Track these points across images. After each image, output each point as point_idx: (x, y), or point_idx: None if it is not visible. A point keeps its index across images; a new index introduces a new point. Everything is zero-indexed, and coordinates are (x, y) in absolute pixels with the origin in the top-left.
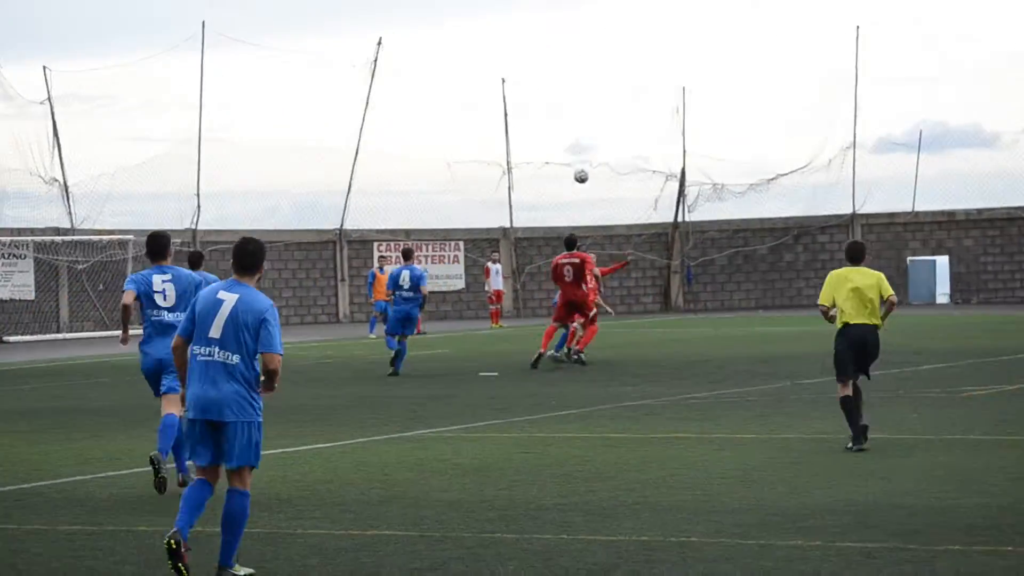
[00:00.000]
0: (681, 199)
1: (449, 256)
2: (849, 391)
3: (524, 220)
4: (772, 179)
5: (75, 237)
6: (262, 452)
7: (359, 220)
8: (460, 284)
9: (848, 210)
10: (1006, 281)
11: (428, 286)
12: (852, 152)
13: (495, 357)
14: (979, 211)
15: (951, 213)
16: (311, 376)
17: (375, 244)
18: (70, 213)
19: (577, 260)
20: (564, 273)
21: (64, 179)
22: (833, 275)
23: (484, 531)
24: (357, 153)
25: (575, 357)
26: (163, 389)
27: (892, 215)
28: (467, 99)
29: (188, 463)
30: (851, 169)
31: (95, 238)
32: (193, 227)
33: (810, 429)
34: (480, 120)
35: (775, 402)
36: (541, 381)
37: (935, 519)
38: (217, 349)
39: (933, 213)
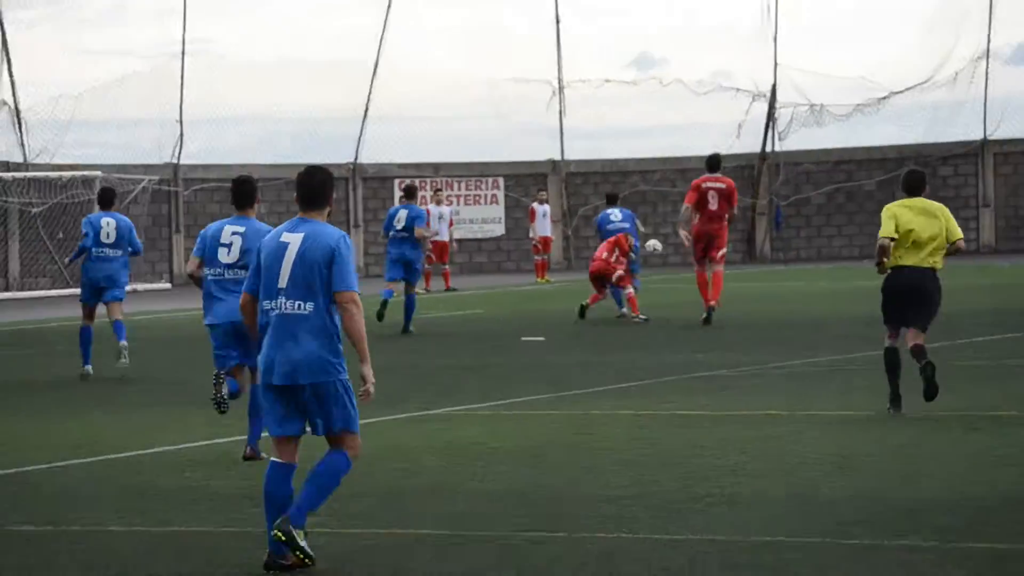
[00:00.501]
0: (771, 124)
1: (486, 196)
2: (895, 343)
3: (578, 151)
4: (883, 98)
5: (29, 174)
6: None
7: (377, 152)
8: (499, 230)
9: (978, 135)
10: None
11: (436, 229)
12: (985, 63)
13: (541, 318)
14: None
15: None
16: None
17: (396, 181)
18: (23, 144)
19: (724, 186)
20: (709, 199)
21: (15, 102)
22: (895, 207)
23: (529, 529)
24: (375, 70)
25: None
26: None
27: None
28: (510, 3)
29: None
30: (983, 85)
31: (53, 175)
32: (174, 161)
33: (925, 406)
34: (526, 29)
35: (883, 372)
36: (595, 349)
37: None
38: (289, 300)
39: None
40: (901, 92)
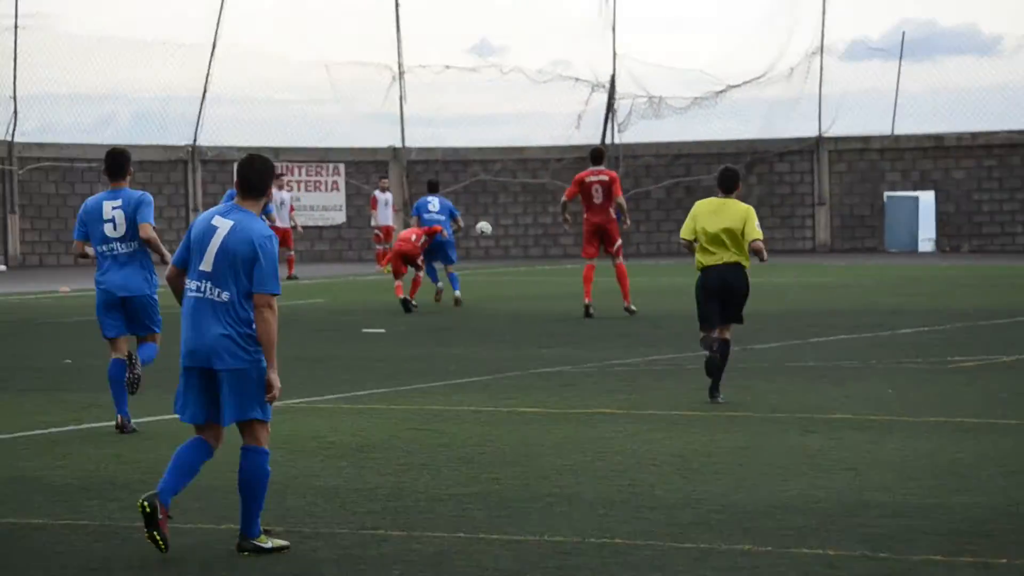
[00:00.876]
0: (610, 115)
1: (327, 182)
2: (714, 346)
3: (419, 139)
4: (721, 92)
5: None
6: None
7: (216, 135)
8: (340, 217)
9: (813, 132)
10: (1004, 224)
11: (275, 215)
12: (819, 59)
13: (383, 310)
14: (973, 135)
15: (939, 138)
16: None
17: (235, 165)
18: None
19: (607, 178)
20: (593, 192)
21: None
22: (698, 205)
23: (364, 527)
24: (214, 50)
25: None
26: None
27: (866, 139)
28: None
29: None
30: (817, 81)
31: None
32: (8, 139)
33: (762, 406)
34: (366, 14)
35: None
36: (436, 341)
37: (913, 522)
38: (208, 284)
39: (917, 137)
40: (738, 86)
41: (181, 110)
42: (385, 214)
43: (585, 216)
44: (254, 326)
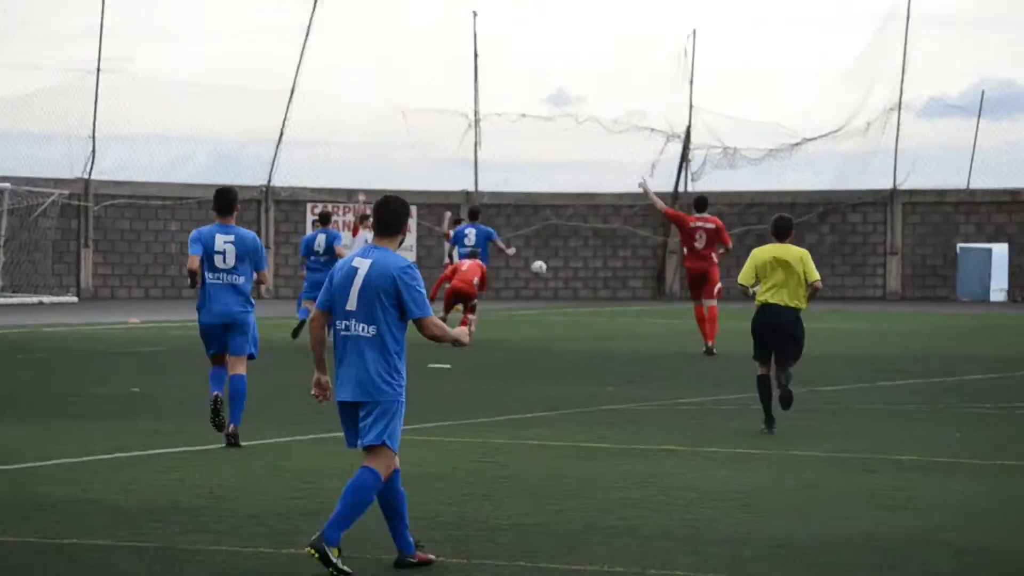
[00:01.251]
0: (684, 165)
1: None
2: (768, 371)
3: (492, 183)
4: (796, 144)
5: None
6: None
7: (290, 176)
8: (411, 257)
9: (887, 185)
10: None
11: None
12: (897, 115)
13: (449, 346)
14: None
15: (1014, 192)
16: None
17: (308, 205)
18: None
19: (712, 225)
20: (696, 237)
21: None
22: (757, 251)
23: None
24: (292, 95)
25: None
26: (218, 349)
27: (941, 192)
28: (429, 34)
29: None
30: (894, 135)
31: None
32: (86, 176)
33: (828, 446)
34: (444, 61)
35: (786, 412)
36: (503, 377)
37: (976, 561)
38: (355, 322)
39: (992, 192)
40: (814, 139)
41: (257, 152)
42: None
43: (685, 262)
44: (400, 356)
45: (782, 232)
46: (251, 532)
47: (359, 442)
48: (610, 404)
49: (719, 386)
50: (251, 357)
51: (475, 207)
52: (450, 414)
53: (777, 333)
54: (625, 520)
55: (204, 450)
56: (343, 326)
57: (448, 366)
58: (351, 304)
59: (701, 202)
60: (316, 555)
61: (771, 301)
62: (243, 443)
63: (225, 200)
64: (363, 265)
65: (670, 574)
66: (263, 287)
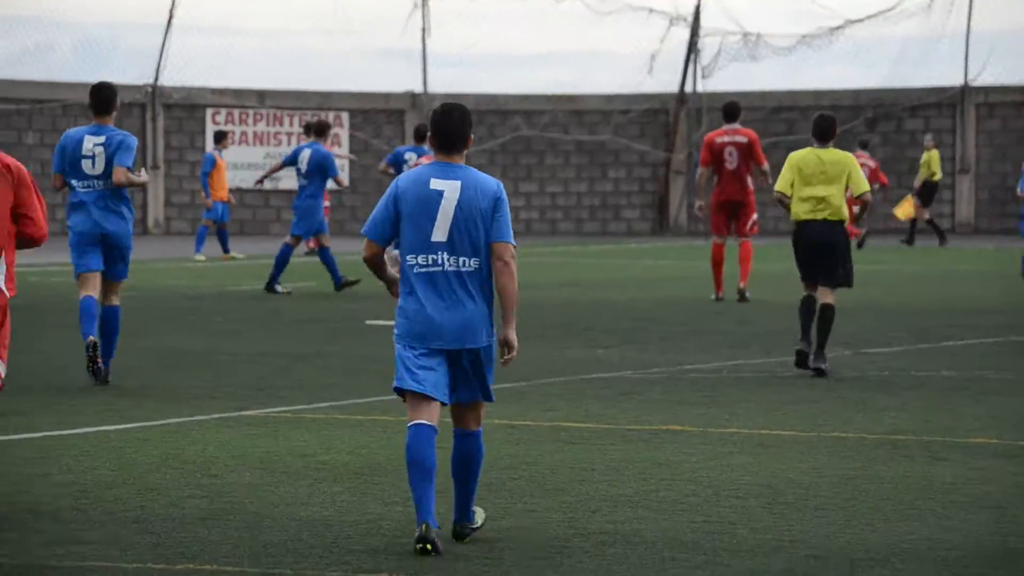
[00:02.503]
0: (693, 57)
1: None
2: (814, 292)
3: (445, 82)
4: (838, 28)
5: None
6: None
7: (184, 73)
8: (345, 177)
9: (957, 80)
10: None
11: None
12: None
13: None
14: None
15: None
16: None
17: (209, 111)
18: None
19: (744, 139)
20: (726, 156)
21: None
22: (795, 155)
23: (362, 570)
24: None
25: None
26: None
27: None
28: None
29: None
30: (965, 16)
31: None
32: None
33: (879, 426)
34: None
35: (824, 382)
36: None
37: None
38: (446, 255)
39: None
40: (860, 21)
41: (138, 42)
42: None
43: (716, 186)
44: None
45: (825, 133)
46: (136, 543)
47: (456, 397)
48: (598, 372)
49: (737, 348)
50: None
51: (421, 126)
52: None
53: (821, 253)
54: (619, 523)
55: (75, 435)
56: (425, 260)
57: (392, 323)
58: (440, 234)
59: (731, 110)
60: (464, 540)
61: (813, 217)
62: (128, 425)
63: (101, 97)
64: (450, 187)
65: None
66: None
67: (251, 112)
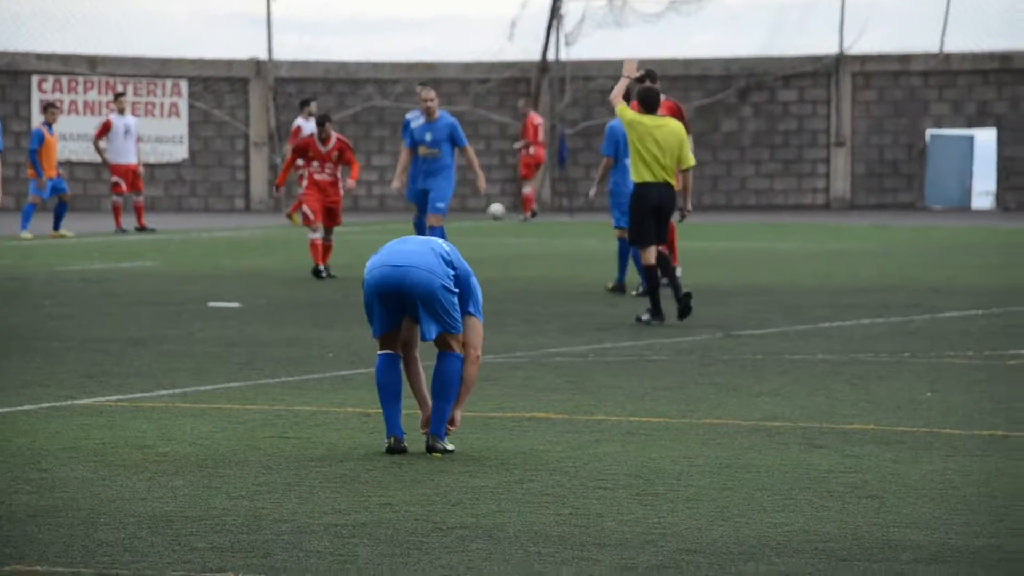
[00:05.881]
0: (555, 23)
1: (163, 105)
2: (652, 259)
3: (291, 49)
4: None
5: None
6: None
7: (7, 37)
8: (180, 152)
9: (832, 48)
10: None
11: (121, 146)
12: None
13: (237, 277)
14: None
15: (1005, 57)
16: None
17: (34, 79)
18: None
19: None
20: None
21: None
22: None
23: (208, 568)
24: None
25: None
26: None
27: (905, 58)
28: None
29: None
30: None
31: None
32: None
33: (753, 412)
34: None
35: (697, 365)
36: (311, 320)
37: (958, 570)
38: None
39: (975, 57)
40: None
41: None
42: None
43: None
44: None
45: (653, 104)
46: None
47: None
48: None
49: (604, 331)
50: None
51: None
52: (241, 372)
53: (658, 214)
54: (481, 517)
55: None
56: None
57: (236, 304)
58: None
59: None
60: (439, 455)
61: (653, 179)
62: None
63: None
64: None
65: None
66: None
67: (81, 80)
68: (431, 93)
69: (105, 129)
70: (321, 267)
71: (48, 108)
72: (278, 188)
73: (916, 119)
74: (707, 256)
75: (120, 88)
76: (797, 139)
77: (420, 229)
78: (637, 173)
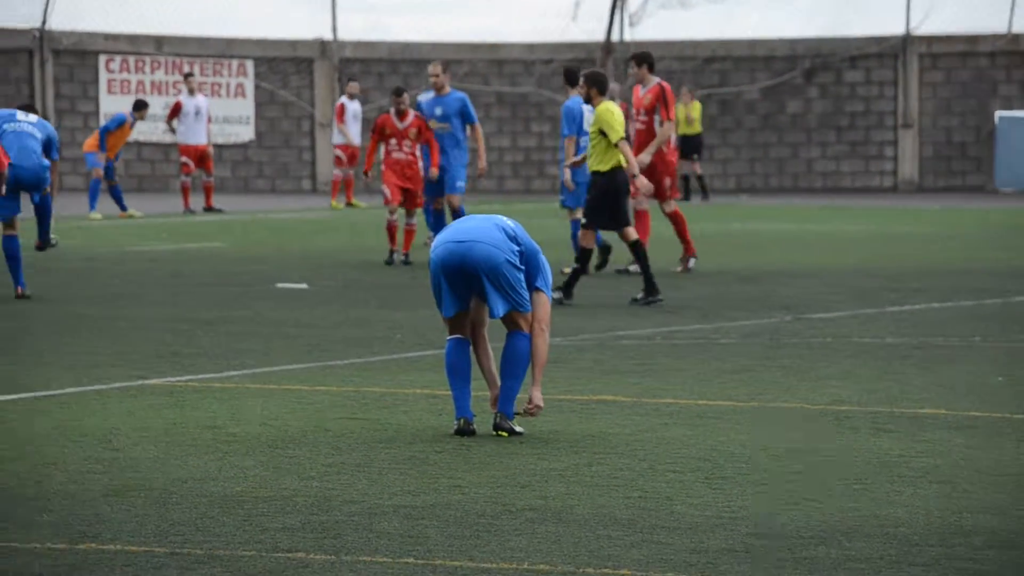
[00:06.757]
0: (619, 3)
1: (229, 86)
2: (591, 244)
3: (356, 29)
4: None
5: None
6: None
7: (75, 17)
8: (247, 133)
9: (899, 29)
10: None
11: (191, 127)
12: None
13: (305, 258)
14: None
15: None
16: None
17: (101, 58)
18: None
19: (649, 96)
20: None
21: None
22: (615, 108)
23: (278, 549)
24: None
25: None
26: None
27: (973, 39)
28: None
29: None
30: None
31: None
32: None
33: (821, 396)
34: None
35: (765, 349)
36: (379, 301)
37: None
38: None
39: None
40: None
41: None
42: (355, 129)
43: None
44: None
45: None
46: (34, 521)
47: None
48: None
49: (671, 313)
50: None
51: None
52: (308, 353)
53: (623, 198)
54: (550, 499)
55: None
56: None
57: (304, 286)
58: None
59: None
60: (506, 434)
61: (616, 165)
62: (22, 395)
63: None
64: None
65: (612, 573)
66: None
67: (148, 60)
68: (438, 68)
69: (176, 110)
70: (394, 253)
71: (140, 106)
72: (366, 175)
73: (984, 100)
74: (774, 238)
75: (187, 68)
76: (864, 121)
77: (434, 216)
78: (615, 159)
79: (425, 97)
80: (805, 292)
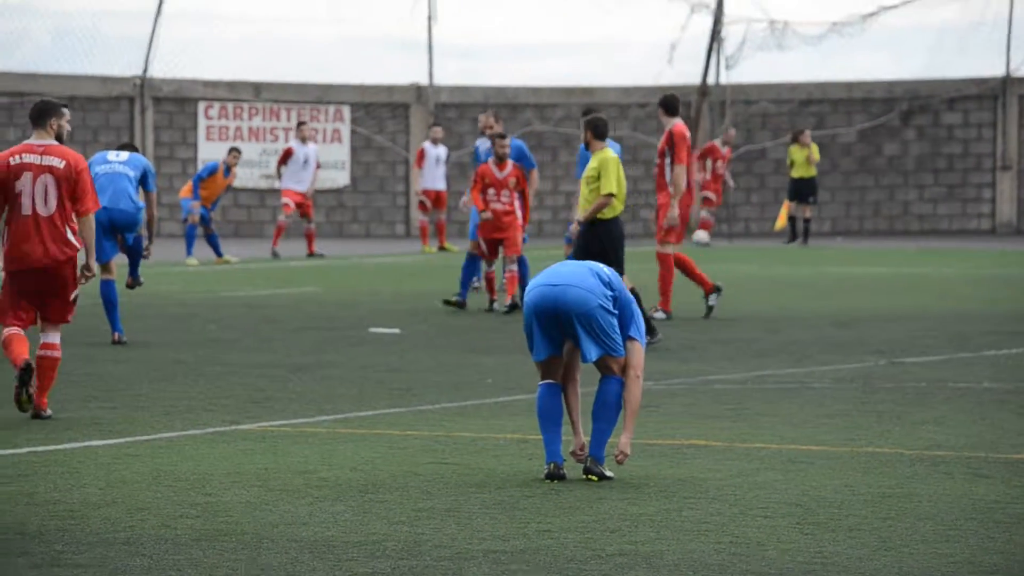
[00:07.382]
0: (716, 46)
1: (325, 131)
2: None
3: (451, 74)
4: (870, 15)
5: None
6: None
7: (175, 64)
8: (343, 179)
9: (999, 71)
10: None
11: (300, 175)
12: None
13: (398, 303)
14: None
15: None
16: (80, 327)
17: (200, 105)
18: None
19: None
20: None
21: None
22: (615, 158)
23: None
24: None
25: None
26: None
27: None
28: None
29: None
30: (1006, 2)
31: None
32: None
33: (916, 441)
34: None
35: (859, 393)
36: (471, 347)
37: None
38: None
39: None
40: (895, 7)
41: (124, 30)
42: (435, 174)
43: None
44: None
45: (606, 133)
46: (127, 566)
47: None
48: None
49: (763, 357)
50: None
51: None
52: (402, 398)
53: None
54: (639, 544)
55: (61, 451)
56: None
57: (396, 330)
58: None
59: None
60: (596, 478)
61: (618, 214)
62: (117, 440)
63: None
64: None
65: None
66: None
67: (246, 106)
68: (490, 120)
69: (286, 156)
70: (494, 303)
71: (232, 151)
72: (484, 211)
73: None
74: (869, 282)
75: (286, 115)
76: (962, 163)
77: (474, 263)
78: (615, 209)
79: (484, 144)
80: (900, 336)
